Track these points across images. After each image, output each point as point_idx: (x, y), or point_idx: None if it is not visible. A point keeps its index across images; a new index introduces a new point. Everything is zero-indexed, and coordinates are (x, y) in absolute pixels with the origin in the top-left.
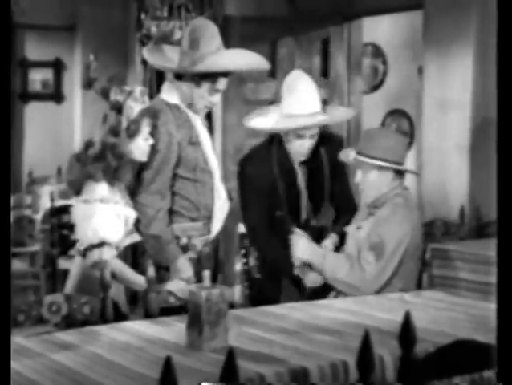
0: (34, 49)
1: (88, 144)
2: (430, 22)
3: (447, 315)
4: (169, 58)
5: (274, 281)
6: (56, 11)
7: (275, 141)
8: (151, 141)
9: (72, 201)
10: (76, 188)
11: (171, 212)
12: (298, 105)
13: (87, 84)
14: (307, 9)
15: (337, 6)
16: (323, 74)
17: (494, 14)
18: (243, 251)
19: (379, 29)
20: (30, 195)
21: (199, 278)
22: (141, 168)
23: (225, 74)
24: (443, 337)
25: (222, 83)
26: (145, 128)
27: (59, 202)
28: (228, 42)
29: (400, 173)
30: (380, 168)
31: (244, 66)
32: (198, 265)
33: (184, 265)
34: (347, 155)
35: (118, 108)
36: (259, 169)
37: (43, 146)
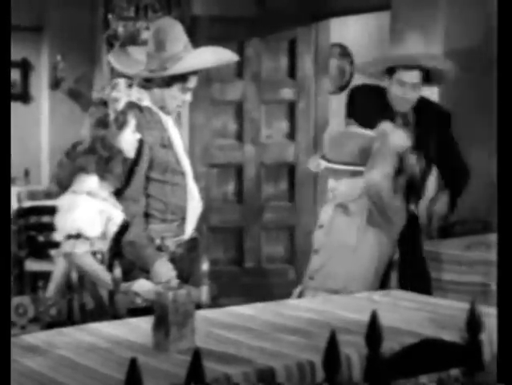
0: None
1: (76, 144)
2: (397, 23)
3: (415, 314)
4: (136, 60)
5: None
6: (23, 12)
7: (379, 91)
8: (138, 136)
9: (52, 202)
10: (65, 185)
11: (145, 215)
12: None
13: (55, 84)
14: (274, 9)
15: (304, 7)
16: (290, 75)
17: (462, 14)
18: None
19: (347, 30)
20: None
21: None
22: None
23: (195, 71)
24: (410, 336)
25: (193, 81)
26: (132, 120)
27: (27, 203)
28: (195, 43)
29: None
30: (352, 172)
31: (215, 63)
32: (172, 266)
33: (163, 268)
34: (316, 164)
35: (103, 103)
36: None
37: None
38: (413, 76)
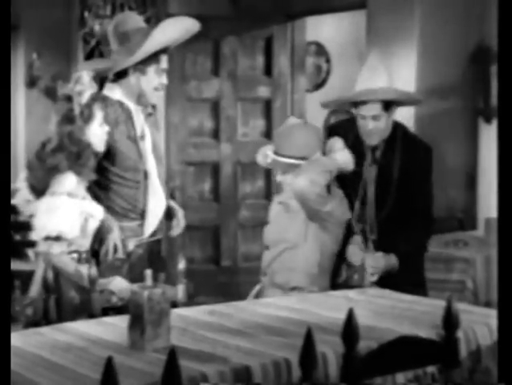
0: None
1: (45, 143)
2: (373, 21)
3: (391, 312)
4: (107, 64)
5: None
6: None
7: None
8: (106, 128)
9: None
10: (40, 188)
11: (109, 211)
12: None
13: (31, 83)
14: (250, 8)
15: (280, 5)
16: (267, 73)
17: (436, 13)
18: None
19: (323, 28)
20: None
21: (134, 280)
22: None
23: (164, 50)
24: (386, 333)
25: (165, 61)
26: (99, 113)
27: None
28: None
29: None
30: (297, 166)
31: (182, 36)
32: (128, 265)
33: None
34: (264, 156)
35: (67, 98)
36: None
37: None
38: (371, 109)
